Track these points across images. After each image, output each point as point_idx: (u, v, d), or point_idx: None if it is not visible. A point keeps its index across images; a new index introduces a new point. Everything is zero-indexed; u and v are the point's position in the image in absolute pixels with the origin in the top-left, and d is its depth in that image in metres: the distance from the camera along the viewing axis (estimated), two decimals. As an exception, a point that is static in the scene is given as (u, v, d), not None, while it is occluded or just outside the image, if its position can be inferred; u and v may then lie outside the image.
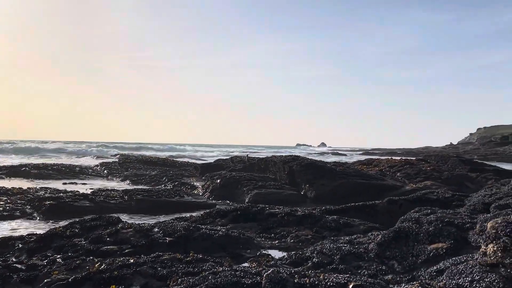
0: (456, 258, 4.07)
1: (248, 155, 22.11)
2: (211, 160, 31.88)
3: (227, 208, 7.67)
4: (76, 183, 16.56)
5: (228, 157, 25.29)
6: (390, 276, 4.29)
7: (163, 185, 16.09)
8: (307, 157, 17.09)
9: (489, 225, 3.97)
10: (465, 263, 3.73)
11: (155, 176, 18.22)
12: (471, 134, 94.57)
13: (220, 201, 12.88)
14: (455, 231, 4.67)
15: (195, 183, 15.90)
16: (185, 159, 34.28)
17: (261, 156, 22.58)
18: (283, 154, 17.66)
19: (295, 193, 13.05)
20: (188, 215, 8.10)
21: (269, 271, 3.61)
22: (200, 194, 13.90)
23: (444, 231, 4.74)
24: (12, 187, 12.48)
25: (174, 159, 29.49)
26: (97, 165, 24.47)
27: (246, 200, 12.36)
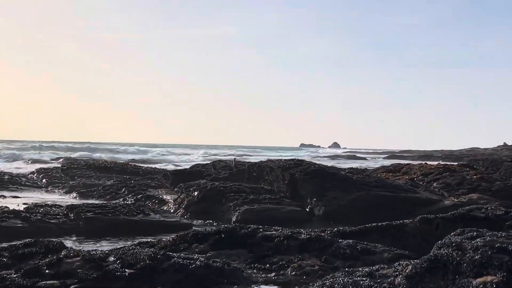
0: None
1: (236, 159, 22.18)
2: (187, 165, 31.88)
3: (208, 229, 7.64)
4: (3, 196, 16.41)
5: (209, 162, 25.33)
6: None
7: (121, 199, 16.04)
8: (314, 161, 17.14)
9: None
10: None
11: (111, 187, 18.17)
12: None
13: (198, 221, 12.91)
14: (508, 260, 4.71)
15: (164, 197, 15.88)
16: (153, 165, 34.33)
17: (253, 161, 22.50)
18: (283, 158, 17.73)
19: (298, 210, 13.14)
20: (155, 239, 8.07)
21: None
22: (172, 211, 13.89)
23: (495, 260, 4.77)
24: None
25: (137, 164, 29.46)
26: (33, 172, 24.31)
27: (233, 219, 12.40)
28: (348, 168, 16.40)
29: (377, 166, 29.06)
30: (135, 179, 20.67)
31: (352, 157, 74.25)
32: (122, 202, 14.09)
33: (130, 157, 51.88)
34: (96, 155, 50.99)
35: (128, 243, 8.88)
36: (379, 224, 8.00)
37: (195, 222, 12.64)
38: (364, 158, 69.25)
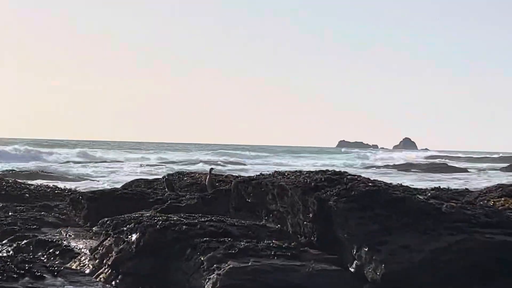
0: None
1: (213, 170, 22.10)
2: (119, 180, 31.81)
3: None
4: None
5: (161, 176, 25.27)
6: None
7: (-11, 248, 15.98)
8: (366, 175, 17.05)
9: None
10: None
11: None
12: None
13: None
14: None
15: (73, 243, 15.82)
16: (53, 182, 34.21)
17: (247, 174, 22.39)
18: (304, 169, 17.66)
19: (333, 270, 13.07)
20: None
21: None
22: (87, 271, 13.86)
23: None
24: None
25: (21, 181, 29.30)
26: None
27: (208, 287, 12.40)
28: (431, 190, 16.34)
29: (487, 184, 28.94)
30: (16, 209, 20.56)
31: (440, 166, 74.15)
32: (-10, 254, 14.04)
33: (15, 164, 51.77)
34: None
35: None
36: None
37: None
38: (464, 170, 69.21)
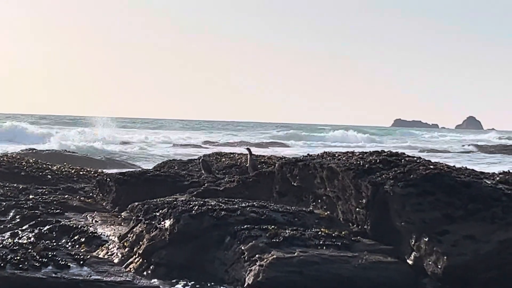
0: None
1: (250, 150, 22.02)
2: (152, 162, 31.94)
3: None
4: None
5: (197, 157, 25.33)
6: None
7: (8, 234, 16.17)
8: (425, 157, 16.94)
9: None
10: None
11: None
12: None
13: (170, 281, 13.06)
14: None
15: (99, 229, 15.99)
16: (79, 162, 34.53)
17: (291, 156, 22.38)
18: (356, 150, 17.58)
19: (389, 262, 13.10)
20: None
21: None
22: (116, 260, 14.01)
23: None
24: None
25: (43, 162, 29.59)
26: None
27: (249, 280, 12.48)
28: (500, 174, 16.22)
29: None
30: (38, 192, 20.75)
31: (510, 148, 73.49)
32: (10, 241, 14.21)
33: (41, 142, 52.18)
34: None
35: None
36: None
37: (164, 284, 12.73)
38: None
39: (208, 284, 12.92)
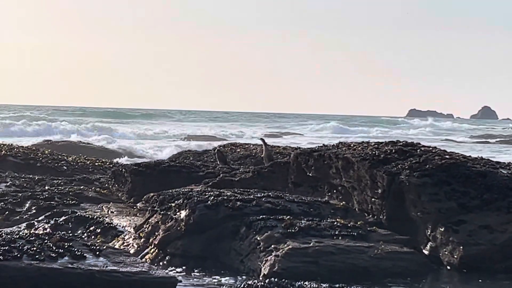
0: None
1: (265, 141, 22.01)
2: (165, 153, 31.91)
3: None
4: None
5: (212, 148, 25.34)
6: None
7: (24, 225, 16.23)
8: (441, 147, 16.93)
9: None
10: None
11: (1, 197, 18.30)
12: None
13: (186, 271, 13.11)
14: None
15: (115, 220, 16.01)
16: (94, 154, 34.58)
17: (307, 146, 22.40)
18: (370, 140, 17.53)
19: (405, 252, 13.09)
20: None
21: None
22: (132, 250, 14.05)
23: None
24: None
25: (59, 153, 29.66)
26: None
27: (264, 271, 12.50)
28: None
29: None
30: (53, 183, 20.81)
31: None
32: (26, 232, 14.25)
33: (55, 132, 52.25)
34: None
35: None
36: None
37: (180, 274, 12.73)
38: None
39: (224, 275, 12.91)
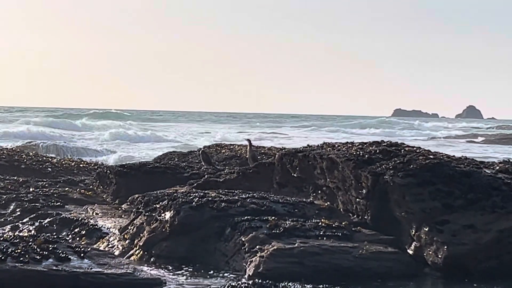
0: None
1: (250, 142, 22.04)
2: (149, 155, 31.94)
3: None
4: None
5: (197, 149, 25.38)
6: None
7: (8, 227, 16.22)
8: (426, 147, 16.97)
9: None
10: None
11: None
12: None
13: (171, 273, 13.10)
14: None
15: (99, 221, 16.02)
16: (77, 157, 34.56)
17: (290, 146, 22.41)
18: (355, 141, 17.58)
19: (389, 252, 13.16)
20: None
21: None
22: (116, 252, 14.05)
23: None
24: None
25: (44, 155, 29.66)
26: None
27: (249, 271, 12.54)
28: (500, 163, 16.24)
29: None
30: (38, 184, 20.79)
31: (510, 138, 73.54)
32: (10, 234, 14.24)
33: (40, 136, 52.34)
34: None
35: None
36: None
37: (165, 276, 12.76)
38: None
39: (209, 276, 12.94)
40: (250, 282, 11.25)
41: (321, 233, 13.31)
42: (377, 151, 15.07)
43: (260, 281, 11.24)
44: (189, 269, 13.41)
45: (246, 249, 13.06)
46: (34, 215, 16.81)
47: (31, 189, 19.70)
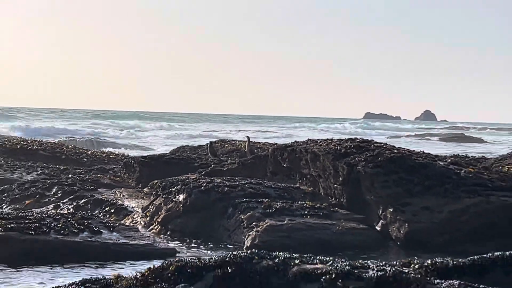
0: None
1: (250, 139, 22.16)
2: (164, 149, 31.91)
3: (203, 260, 7.71)
4: None
5: (204, 144, 25.39)
6: None
7: (51, 206, 16.26)
8: (391, 143, 17.03)
9: None
10: None
11: (33, 184, 18.34)
12: None
13: (183, 244, 13.19)
14: None
15: (126, 202, 16.08)
16: (108, 149, 34.67)
17: (282, 142, 22.47)
18: (334, 137, 17.64)
19: (361, 228, 13.25)
20: (111, 274, 8.18)
21: None
22: (139, 227, 14.06)
23: None
24: None
25: (80, 148, 29.71)
26: None
27: (247, 243, 12.58)
28: (451, 157, 16.26)
29: (504, 152, 28.73)
30: (75, 171, 20.84)
31: (459, 136, 73.56)
32: (53, 211, 14.27)
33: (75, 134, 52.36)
34: (7, 127, 51.53)
35: (67, 280, 8.96)
36: (507, 254, 7.98)
37: (178, 246, 12.83)
38: (480, 140, 68.68)
39: (215, 246, 13.00)
40: (248, 252, 11.26)
41: (305, 213, 13.33)
42: (352, 146, 15.08)
43: (256, 251, 11.23)
44: (198, 241, 13.47)
45: (245, 225, 13.10)
46: (72, 196, 16.88)
47: (70, 175, 19.76)
